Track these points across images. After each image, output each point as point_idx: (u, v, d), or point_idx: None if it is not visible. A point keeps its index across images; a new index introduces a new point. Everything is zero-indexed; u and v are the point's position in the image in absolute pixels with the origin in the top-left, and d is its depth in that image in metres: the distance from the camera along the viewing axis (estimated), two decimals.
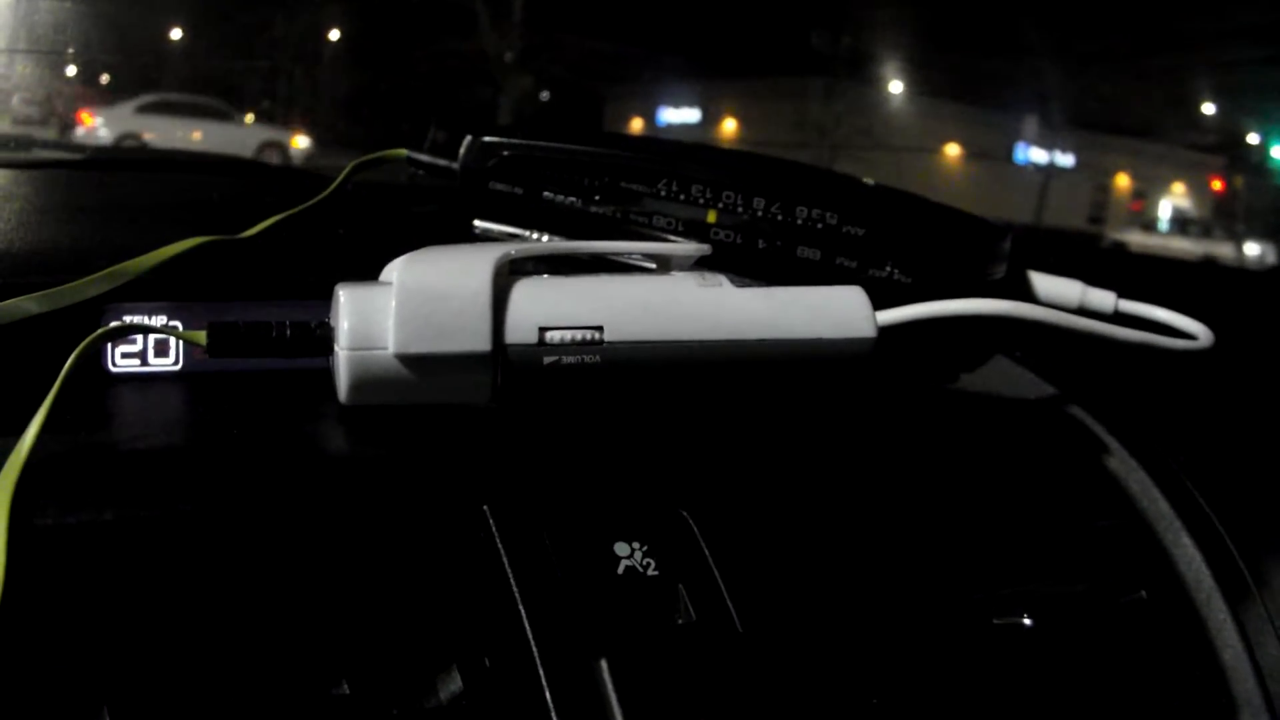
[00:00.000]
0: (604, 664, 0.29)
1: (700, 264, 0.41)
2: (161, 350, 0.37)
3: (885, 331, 0.37)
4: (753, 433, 0.39)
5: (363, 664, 0.27)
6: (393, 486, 0.32)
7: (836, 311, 0.37)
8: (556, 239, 0.47)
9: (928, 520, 0.37)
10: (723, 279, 0.37)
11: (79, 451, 0.31)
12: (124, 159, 1.02)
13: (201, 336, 0.33)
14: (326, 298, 0.35)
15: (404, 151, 0.53)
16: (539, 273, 0.37)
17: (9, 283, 0.35)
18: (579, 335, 0.34)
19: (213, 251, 0.40)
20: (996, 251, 0.47)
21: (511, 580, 0.30)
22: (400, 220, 0.57)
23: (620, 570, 0.31)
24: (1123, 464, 0.43)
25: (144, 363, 0.37)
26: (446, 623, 0.29)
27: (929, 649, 0.34)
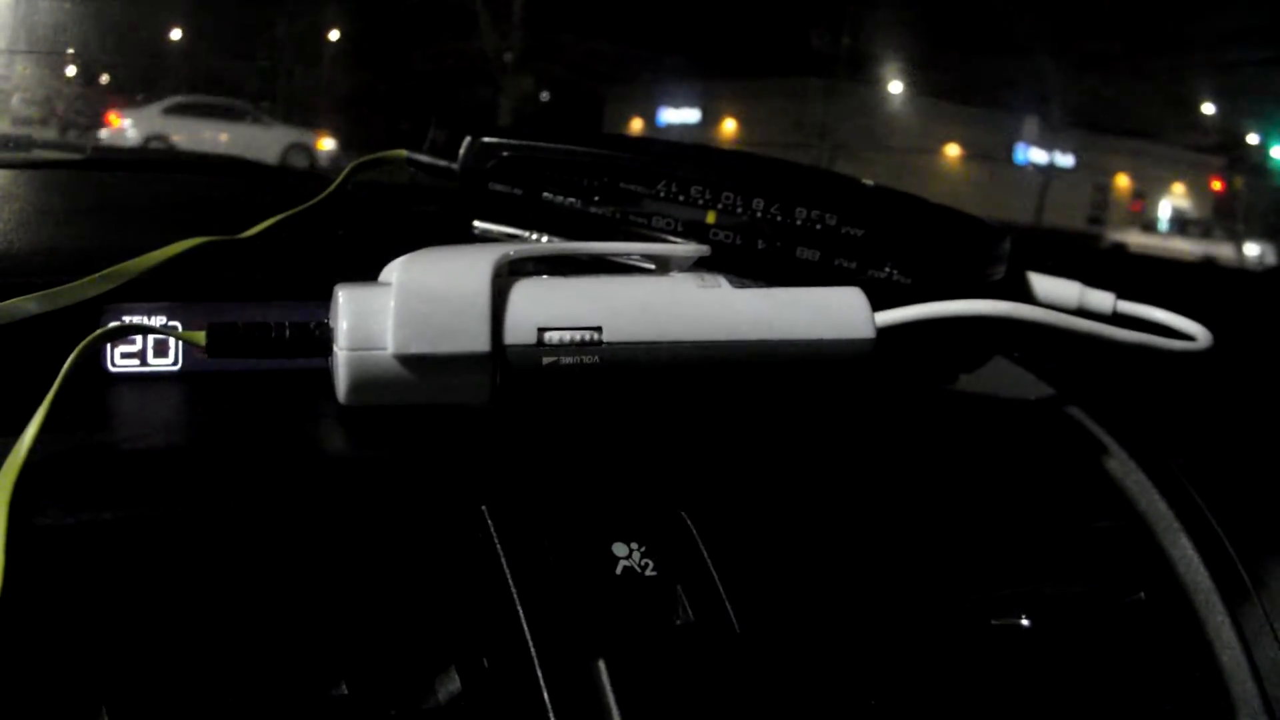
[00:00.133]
0: (602, 664, 0.29)
1: (699, 265, 0.41)
2: (161, 350, 0.37)
3: (884, 332, 0.37)
4: (751, 433, 0.39)
5: (361, 664, 0.27)
6: (391, 487, 0.32)
7: (835, 312, 0.37)
8: (556, 240, 0.47)
9: (926, 521, 0.37)
10: (722, 280, 0.37)
11: (78, 451, 0.31)
12: (123, 159, 1.03)
13: (201, 337, 0.33)
14: (326, 298, 0.35)
15: (404, 152, 0.53)
16: (538, 273, 0.37)
17: (9, 283, 0.35)
18: (578, 336, 0.34)
19: (212, 252, 0.40)
20: (995, 252, 0.47)
21: (510, 581, 0.30)
22: (400, 221, 0.57)
23: (618, 571, 0.31)
24: (1121, 465, 0.43)
25: (143, 363, 0.37)
26: (445, 623, 0.29)
27: (927, 650, 0.34)
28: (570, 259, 0.41)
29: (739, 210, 0.46)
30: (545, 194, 0.47)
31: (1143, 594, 0.39)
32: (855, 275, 0.45)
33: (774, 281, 0.38)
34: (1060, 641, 0.35)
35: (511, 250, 0.36)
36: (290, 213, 0.46)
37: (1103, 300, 0.49)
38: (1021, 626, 0.35)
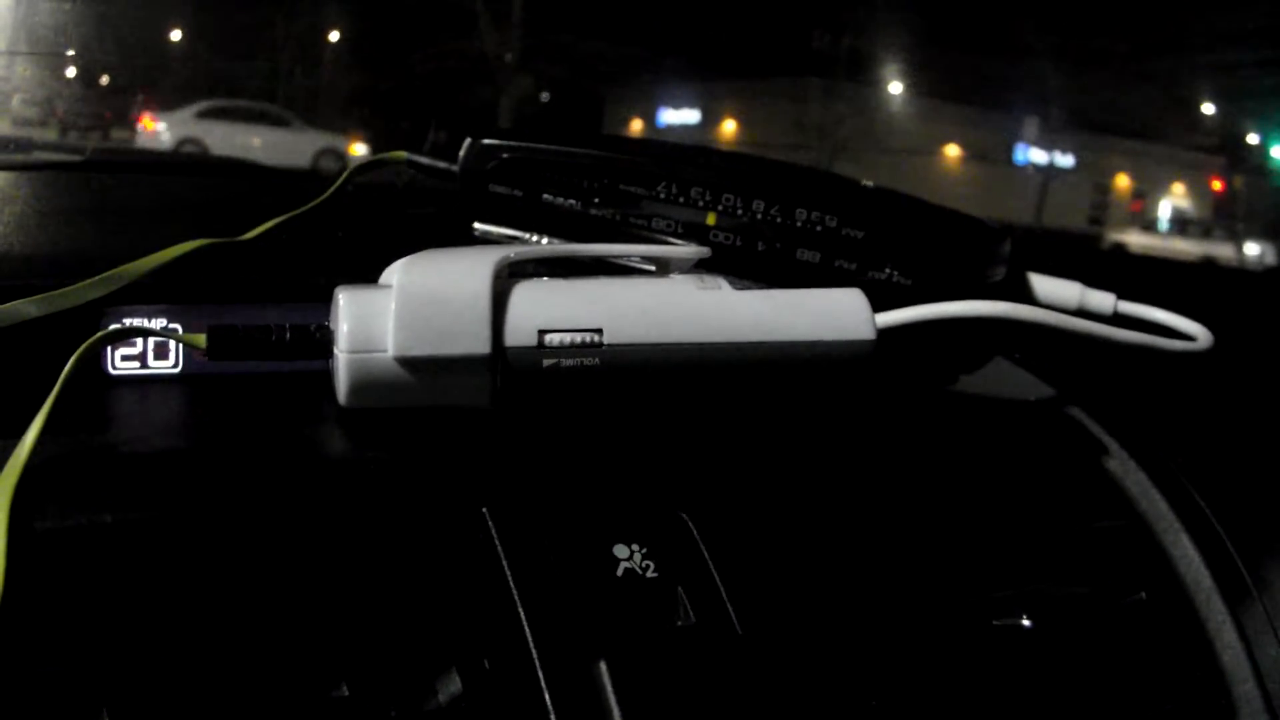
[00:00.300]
0: (603, 666, 0.29)
1: (700, 266, 0.41)
2: (161, 353, 0.37)
3: (885, 333, 0.37)
4: (752, 435, 0.39)
5: (362, 666, 0.27)
6: (392, 489, 0.32)
7: (836, 314, 0.37)
8: (556, 241, 0.47)
9: (927, 522, 0.37)
10: (722, 281, 0.37)
11: (79, 454, 0.31)
12: (123, 161, 1.02)
13: (201, 339, 0.33)
14: (326, 301, 0.35)
15: (404, 154, 0.53)
16: (538, 275, 0.37)
17: (9, 286, 0.35)
18: (578, 338, 0.34)
19: (212, 254, 0.40)
20: (996, 253, 0.47)
21: (511, 582, 0.30)
22: (400, 223, 0.58)
23: (619, 572, 0.31)
24: (1122, 465, 0.43)
25: (144, 365, 0.37)
26: (446, 625, 0.29)
27: (928, 650, 0.34)
28: (570, 261, 0.41)
29: (739, 212, 0.46)
30: (545, 196, 0.47)
31: (1144, 594, 0.39)
32: (855, 276, 0.45)
33: (774, 283, 0.38)
34: (1061, 642, 0.35)
35: (512, 252, 0.36)
36: (290, 215, 0.46)
37: (1103, 301, 0.49)
38: (1023, 627, 0.35)
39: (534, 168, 0.47)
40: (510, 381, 0.34)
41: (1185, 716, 0.38)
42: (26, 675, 0.25)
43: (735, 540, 0.33)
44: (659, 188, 0.46)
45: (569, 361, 0.34)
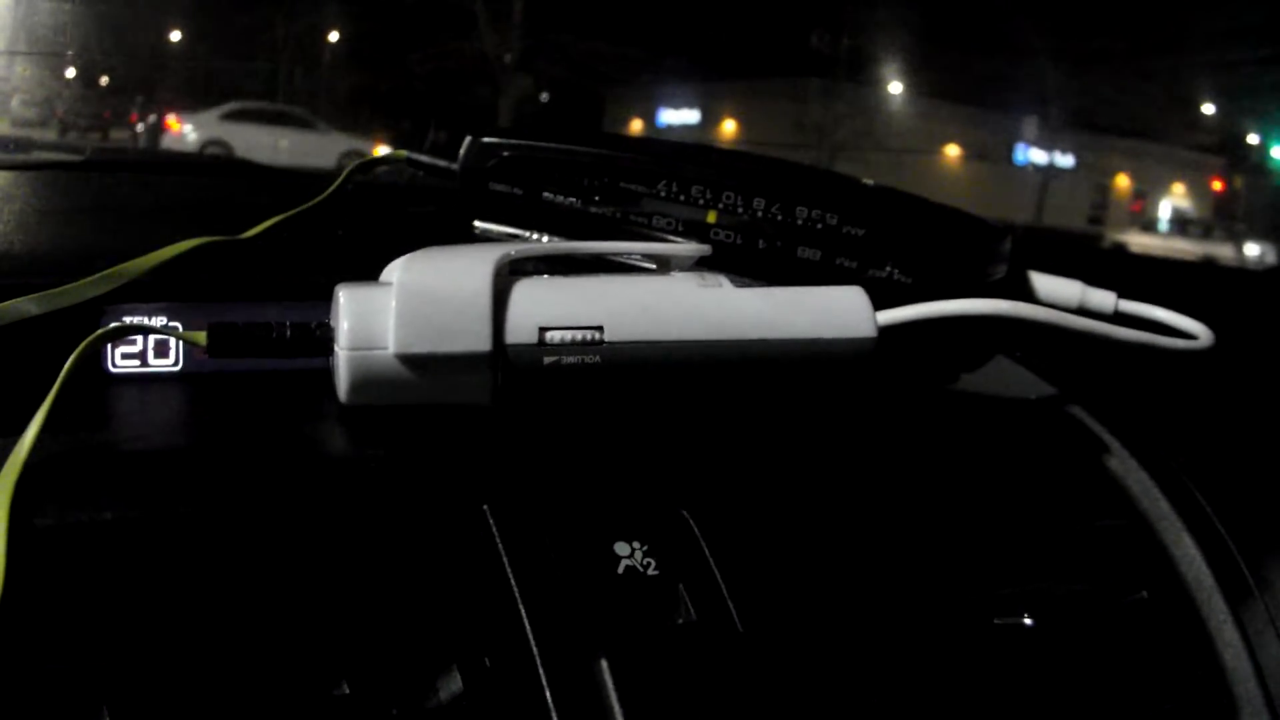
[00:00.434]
0: (604, 664, 0.29)
1: (700, 264, 0.41)
2: (161, 351, 0.37)
3: (886, 331, 0.37)
4: (753, 433, 0.39)
5: (363, 664, 0.27)
6: (393, 487, 0.32)
7: (837, 311, 0.37)
8: (556, 240, 0.47)
9: (928, 520, 0.37)
10: (723, 279, 0.37)
11: (79, 452, 0.31)
12: (123, 160, 1.03)
13: (201, 337, 0.33)
14: (326, 299, 0.35)
15: (404, 153, 0.53)
16: (539, 273, 0.37)
17: (9, 284, 0.35)
18: (579, 335, 0.34)
19: (213, 252, 0.40)
20: (996, 252, 0.47)
21: (512, 580, 0.30)
22: (400, 221, 0.57)
23: (620, 570, 0.31)
24: (1123, 464, 0.43)
25: (144, 363, 0.37)
26: (447, 623, 0.29)
27: (930, 649, 0.34)
28: (571, 259, 0.41)
29: (740, 210, 0.46)
30: (545, 194, 0.47)
31: (1145, 593, 0.39)
32: (856, 275, 0.45)
33: (775, 281, 0.38)
34: (1063, 640, 0.35)
35: (512, 250, 0.36)
36: (291, 213, 0.46)
37: (1104, 299, 0.49)
38: (1024, 625, 0.35)
39: (534, 166, 0.47)
40: (511, 379, 0.34)
41: (1186, 715, 0.38)
42: (27, 673, 0.25)
43: (736, 538, 0.33)
44: (659, 186, 0.46)
45: (570, 359, 0.34)
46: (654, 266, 0.42)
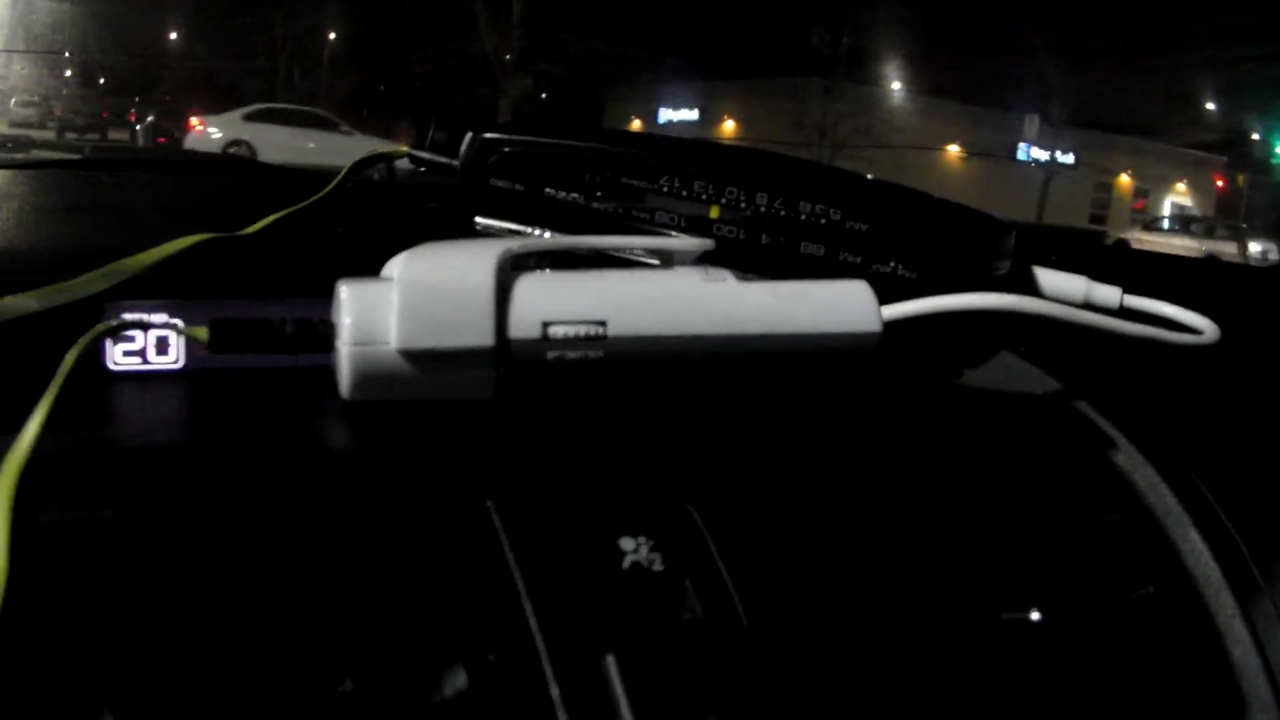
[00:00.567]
0: (610, 660, 0.28)
1: (703, 260, 0.40)
2: (162, 348, 0.37)
3: (890, 326, 0.37)
4: (758, 427, 0.39)
5: (367, 661, 0.27)
6: (396, 482, 0.32)
7: (841, 306, 0.36)
8: (558, 235, 0.47)
9: (934, 516, 0.37)
10: (727, 274, 0.36)
11: (80, 449, 0.31)
12: (124, 159, 1.02)
13: (203, 332, 0.33)
14: (328, 295, 0.34)
15: (405, 149, 0.53)
16: (540, 269, 0.37)
17: (9, 280, 0.34)
18: (582, 330, 0.34)
19: (213, 249, 0.40)
20: (1001, 247, 0.47)
21: (516, 576, 0.29)
22: (401, 218, 0.57)
23: (625, 565, 0.31)
24: (1130, 459, 0.42)
25: (144, 361, 0.37)
26: (451, 619, 0.29)
27: (937, 644, 0.33)
28: (573, 254, 0.41)
29: (742, 205, 0.45)
30: (547, 190, 0.47)
31: (1152, 588, 0.38)
32: (860, 270, 0.45)
33: (778, 277, 0.37)
34: (1070, 636, 0.35)
35: (515, 245, 0.35)
36: (291, 210, 0.46)
37: (1109, 294, 0.49)
38: (1031, 621, 0.35)
39: (535, 161, 0.47)
40: (514, 374, 0.34)
41: (1194, 711, 0.38)
42: (28, 671, 0.25)
43: (742, 533, 0.33)
44: (661, 181, 0.46)
45: (573, 354, 0.34)
46: (656, 262, 0.42)
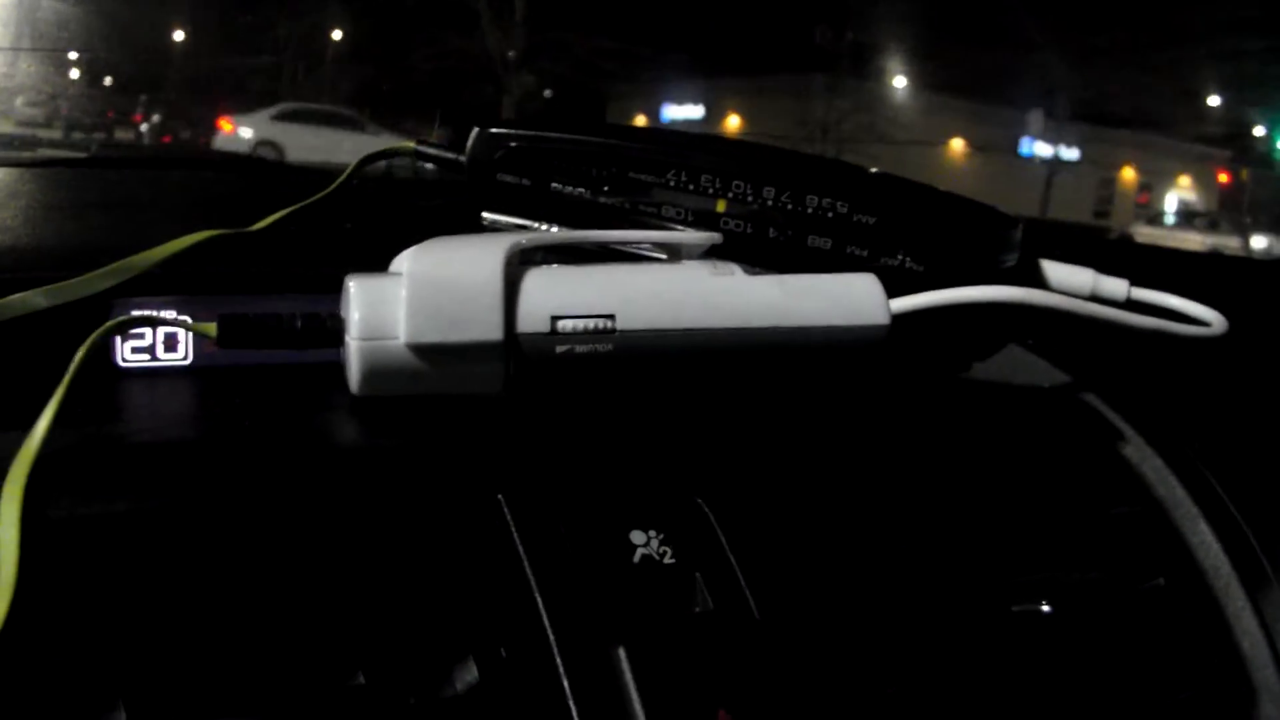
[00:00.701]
0: (621, 652, 0.28)
1: (711, 253, 0.40)
2: (171, 345, 0.37)
3: (898, 319, 0.37)
4: (767, 420, 0.39)
5: (378, 655, 0.27)
6: (406, 477, 0.32)
7: (850, 299, 0.36)
8: (565, 229, 0.47)
9: (944, 508, 0.37)
10: (735, 267, 0.36)
11: (90, 444, 0.31)
12: (130, 157, 1.03)
13: (212, 328, 0.33)
14: (336, 291, 0.34)
15: (412, 144, 0.53)
16: (548, 263, 0.36)
17: (18, 278, 0.34)
18: (591, 324, 0.34)
19: (221, 245, 0.40)
20: (1008, 240, 0.47)
21: (527, 569, 0.29)
22: (408, 213, 0.57)
23: (636, 559, 0.31)
24: (1138, 451, 0.42)
25: (153, 358, 0.37)
26: (462, 613, 0.29)
27: (947, 636, 0.33)
28: (580, 248, 0.41)
29: (749, 199, 0.45)
30: (554, 184, 0.47)
31: (1162, 579, 0.38)
32: (867, 263, 0.44)
33: (786, 271, 0.37)
34: (1080, 627, 0.35)
35: (523, 239, 0.35)
36: (298, 206, 0.46)
37: (1116, 287, 0.48)
38: (1042, 612, 0.35)
39: (542, 156, 0.47)
40: (523, 368, 0.34)
41: (1204, 703, 0.38)
42: (41, 664, 0.25)
43: (752, 526, 0.33)
44: (668, 175, 0.46)
45: (582, 348, 0.34)
46: (664, 256, 0.42)
